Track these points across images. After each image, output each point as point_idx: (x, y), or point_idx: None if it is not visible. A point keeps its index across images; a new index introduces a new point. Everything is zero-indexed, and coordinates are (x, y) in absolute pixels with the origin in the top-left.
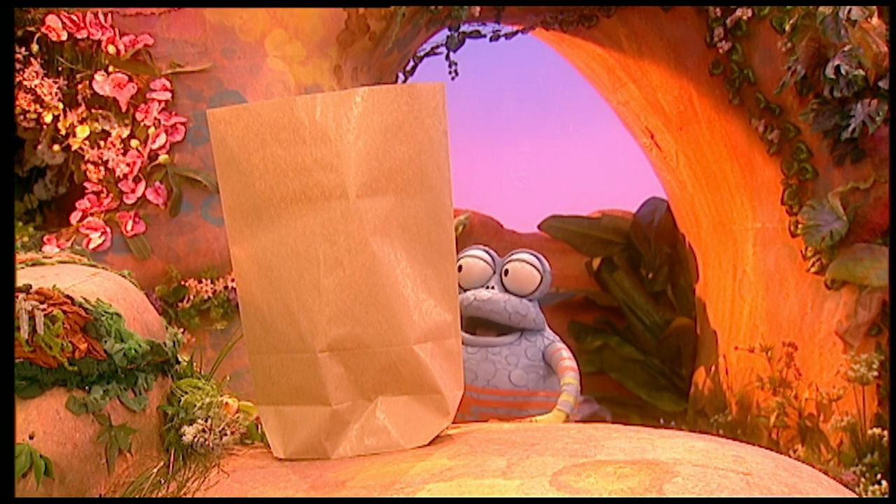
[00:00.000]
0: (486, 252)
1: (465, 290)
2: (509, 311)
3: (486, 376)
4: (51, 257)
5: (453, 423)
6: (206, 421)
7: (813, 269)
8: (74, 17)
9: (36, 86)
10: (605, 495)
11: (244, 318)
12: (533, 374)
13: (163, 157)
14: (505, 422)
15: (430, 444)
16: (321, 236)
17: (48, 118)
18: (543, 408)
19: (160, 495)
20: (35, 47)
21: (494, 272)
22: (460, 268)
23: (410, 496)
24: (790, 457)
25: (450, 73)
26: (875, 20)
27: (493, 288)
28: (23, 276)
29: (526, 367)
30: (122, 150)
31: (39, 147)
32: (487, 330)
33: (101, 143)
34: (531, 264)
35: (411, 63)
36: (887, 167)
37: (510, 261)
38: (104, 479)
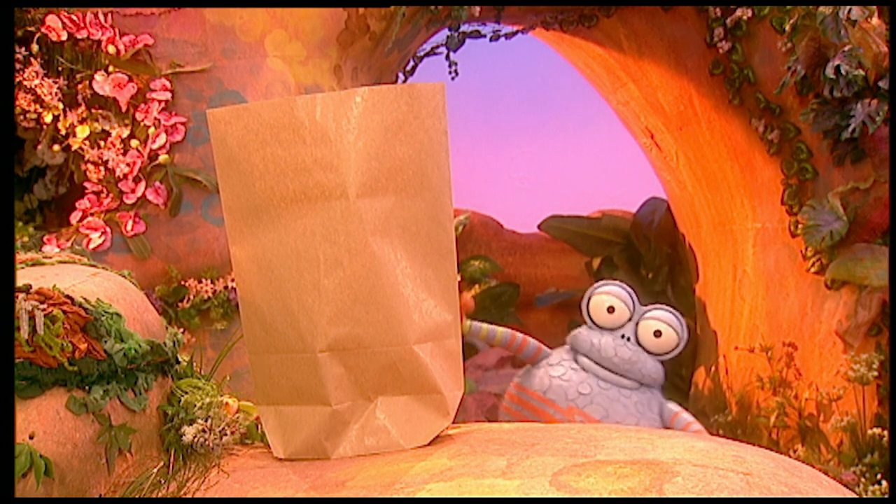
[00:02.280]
0: (629, 294)
1: (599, 327)
2: (644, 373)
3: (616, 417)
4: (51, 257)
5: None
6: (206, 421)
7: (813, 269)
8: (74, 17)
9: (36, 86)
10: (605, 495)
11: (244, 318)
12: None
13: (163, 157)
14: None
15: (430, 444)
16: (321, 236)
17: (48, 118)
18: None
19: (160, 495)
20: (35, 47)
21: (631, 319)
22: (592, 301)
23: (410, 496)
24: (790, 457)
25: (450, 73)
26: (875, 20)
27: (628, 339)
28: (23, 276)
29: (651, 421)
30: (122, 150)
31: (39, 147)
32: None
33: (101, 143)
34: (674, 328)
35: (411, 63)
36: (887, 167)
37: (651, 317)
38: (104, 479)
